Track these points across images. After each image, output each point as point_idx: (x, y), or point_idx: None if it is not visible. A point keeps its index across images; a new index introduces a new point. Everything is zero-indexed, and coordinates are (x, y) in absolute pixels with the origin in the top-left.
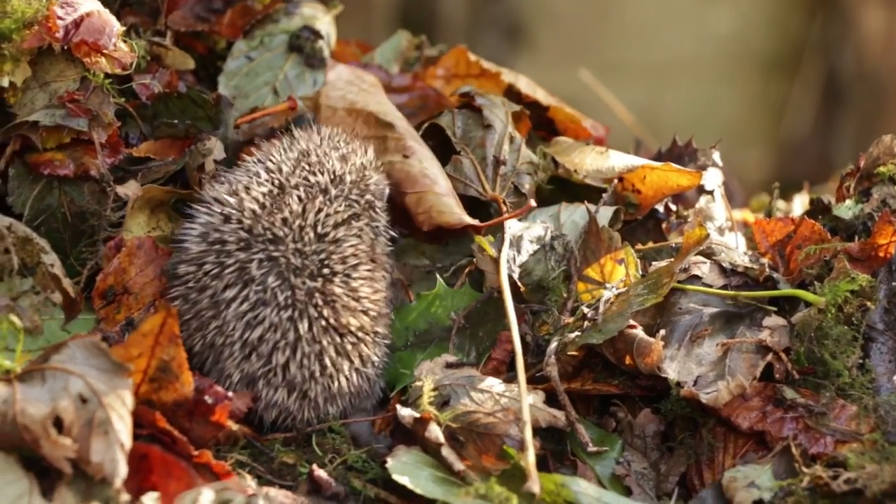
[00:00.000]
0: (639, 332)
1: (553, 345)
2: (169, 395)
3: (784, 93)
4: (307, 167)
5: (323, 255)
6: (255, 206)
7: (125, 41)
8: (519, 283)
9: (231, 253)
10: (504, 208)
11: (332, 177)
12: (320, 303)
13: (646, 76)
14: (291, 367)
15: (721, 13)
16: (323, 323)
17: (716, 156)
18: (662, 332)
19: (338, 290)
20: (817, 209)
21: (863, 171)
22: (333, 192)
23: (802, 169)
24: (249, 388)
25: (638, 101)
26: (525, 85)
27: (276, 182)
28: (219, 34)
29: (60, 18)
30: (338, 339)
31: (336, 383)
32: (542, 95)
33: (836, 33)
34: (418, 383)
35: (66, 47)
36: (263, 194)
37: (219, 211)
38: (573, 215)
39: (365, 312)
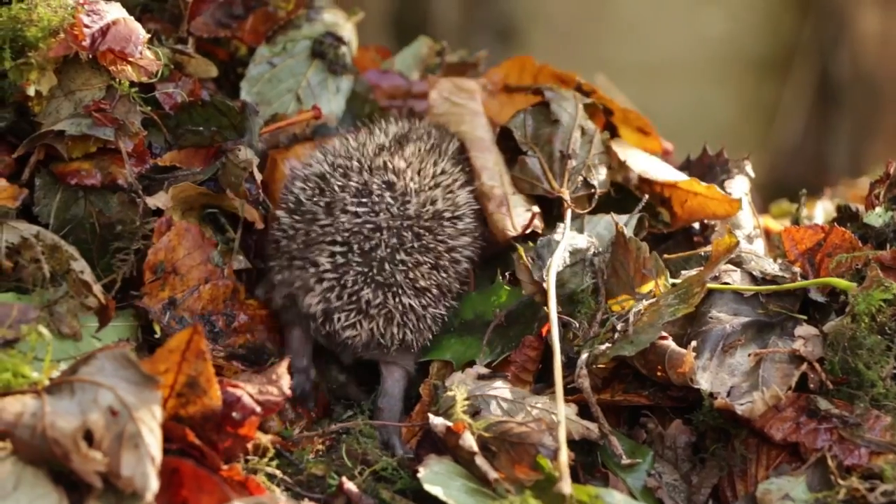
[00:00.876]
0: (670, 343)
1: (584, 356)
2: (197, 409)
3: (777, 95)
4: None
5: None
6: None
7: (150, 49)
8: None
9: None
10: (567, 205)
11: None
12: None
13: (638, 78)
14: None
15: (713, 15)
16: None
17: (748, 167)
18: (694, 343)
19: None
20: (844, 217)
21: (892, 179)
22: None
23: (797, 171)
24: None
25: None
26: (603, 89)
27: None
28: (241, 40)
29: (87, 27)
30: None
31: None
32: (619, 103)
33: (829, 35)
34: (450, 393)
35: (91, 56)
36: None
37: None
38: (597, 227)
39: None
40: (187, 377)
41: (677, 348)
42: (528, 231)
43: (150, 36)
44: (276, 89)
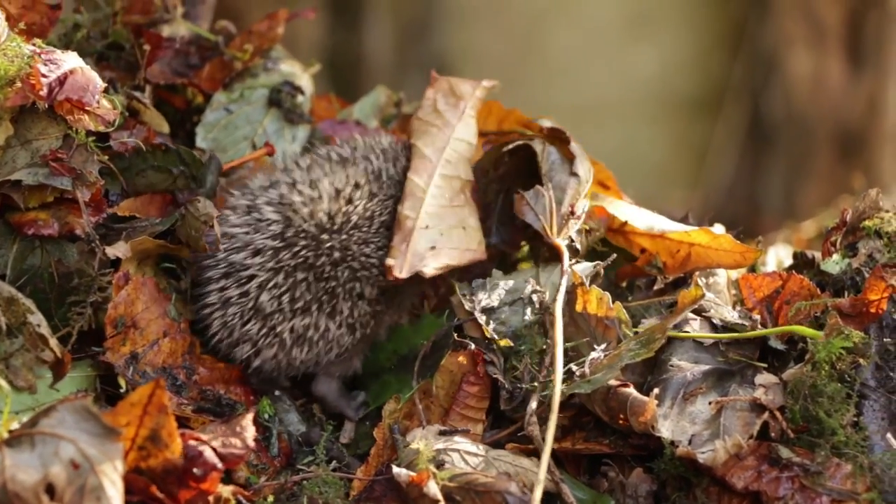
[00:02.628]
0: (631, 390)
1: (533, 404)
2: (158, 463)
3: (708, 134)
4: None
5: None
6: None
7: (107, 97)
8: (493, 332)
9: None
10: (565, 259)
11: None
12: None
13: (570, 117)
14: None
15: (645, 55)
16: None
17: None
18: (656, 390)
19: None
20: (801, 263)
21: (849, 226)
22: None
23: (729, 211)
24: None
25: None
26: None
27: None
28: (197, 88)
29: (44, 76)
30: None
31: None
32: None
33: (760, 75)
34: (413, 446)
35: (49, 105)
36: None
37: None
38: (552, 276)
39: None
40: (149, 430)
41: (639, 396)
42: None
43: (106, 84)
44: (231, 136)
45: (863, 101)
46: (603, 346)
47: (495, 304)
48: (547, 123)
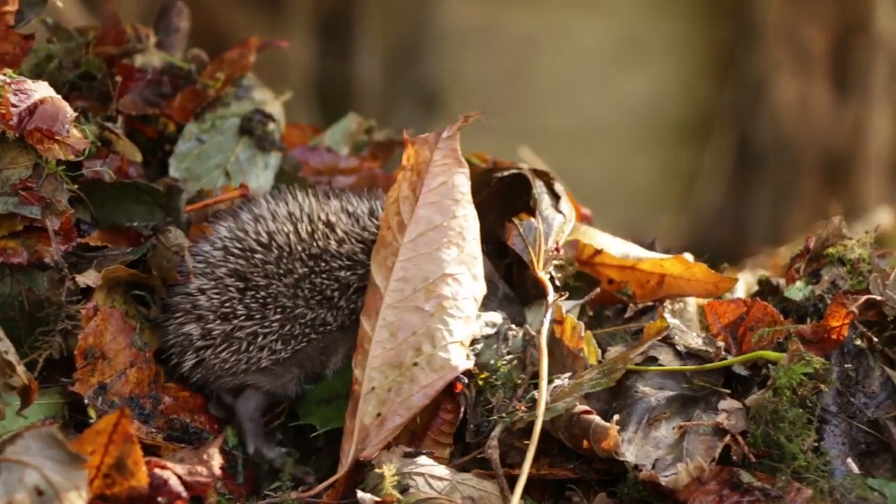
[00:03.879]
0: (594, 417)
1: (497, 429)
2: (123, 490)
3: (696, 160)
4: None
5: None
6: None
7: (77, 127)
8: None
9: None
10: (550, 293)
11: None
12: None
13: (559, 142)
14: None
15: (634, 81)
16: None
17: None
18: (617, 416)
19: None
20: (766, 290)
21: (812, 253)
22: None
23: (716, 237)
24: None
25: (552, 168)
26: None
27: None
28: (169, 117)
29: (14, 106)
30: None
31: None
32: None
33: (747, 101)
34: (378, 470)
35: (18, 135)
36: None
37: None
38: (539, 315)
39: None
40: (114, 458)
41: (601, 422)
42: None
43: (77, 114)
44: (204, 165)
45: (848, 127)
46: (567, 375)
47: (478, 336)
48: (524, 165)
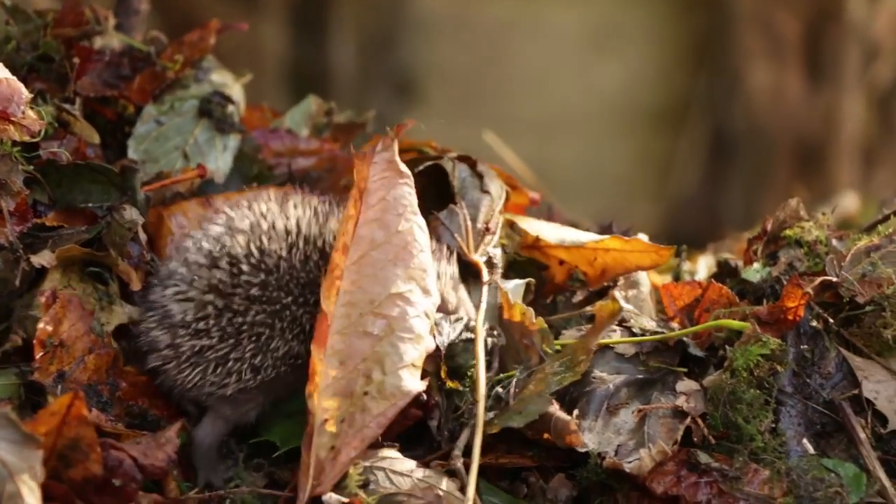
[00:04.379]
0: (555, 411)
1: (462, 437)
2: (78, 472)
3: (672, 148)
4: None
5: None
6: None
7: (33, 108)
8: (445, 373)
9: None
10: (484, 275)
11: None
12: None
13: (534, 130)
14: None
15: (609, 69)
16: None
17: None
18: (576, 412)
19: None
20: (724, 272)
21: (769, 235)
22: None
23: (691, 225)
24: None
25: (527, 155)
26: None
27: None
28: (128, 99)
29: None
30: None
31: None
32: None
33: (722, 89)
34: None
35: None
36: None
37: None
38: (489, 296)
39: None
40: (69, 440)
41: (562, 416)
42: None
43: (34, 95)
44: (163, 147)
45: (821, 114)
46: (524, 367)
47: (452, 337)
48: (452, 154)
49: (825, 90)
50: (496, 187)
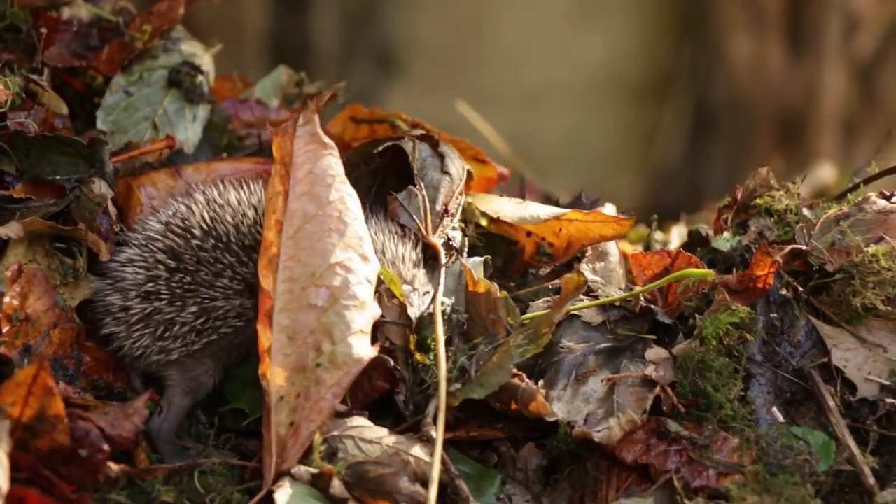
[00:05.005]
0: (522, 382)
1: (432, 405)
2: (45, 443)
3: (654, 120)
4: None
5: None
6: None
7: (0, 79)
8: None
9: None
10: (442, 256)
11: None
12: None
13: (517, 103)
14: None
15: (591, 41)
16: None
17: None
18: (542, 382)
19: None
20: (695, 241)
21: (740, 203)
22: None
23: (673, 196)
24: None
25: (509, 128)
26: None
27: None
28: (97, 70)
29: None
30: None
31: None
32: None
33: (704, 61)
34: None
35: None
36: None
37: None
38: (452, 277)
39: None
40: (35, 411)
41: (529, 386)
42: None
43: (1, 66)
44: (132, 118)
45: (802, 86)
46: (492, 340)
47: (422, 310)
48: (417, 131)
49: (806, 62)
50: (457, 168)
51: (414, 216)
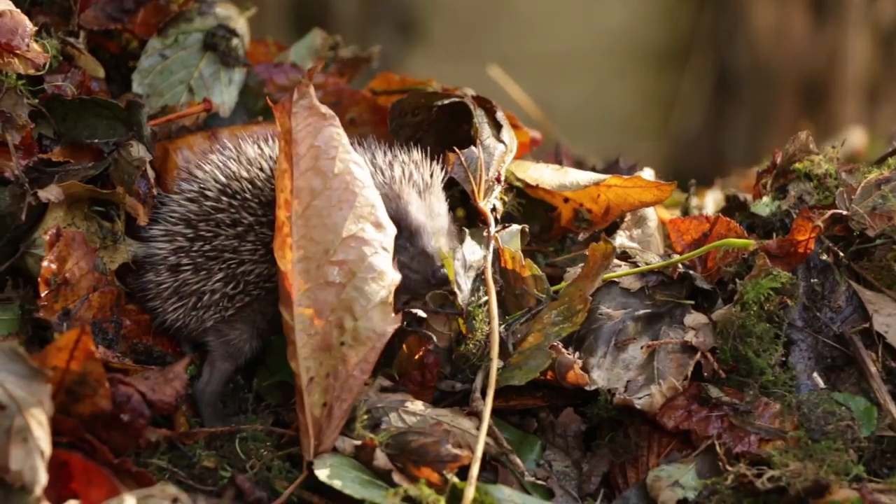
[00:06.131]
0: (557, 353)
1: (478, 379)
2: (86, 407)
3: (675, 86)
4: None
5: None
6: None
7: (38, 41)
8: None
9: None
10: (490, 222)
11: None
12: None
13: (538, 69)
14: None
15: (612, 7)
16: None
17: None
18: (578, 353)
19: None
20: (733, 206)
21: (779, 168)
22: None
23: (694, 162)
24: None
25: (531, 94)
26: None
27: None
28: (132, 33)
29: None
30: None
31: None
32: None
33: (726, 27)
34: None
35: None
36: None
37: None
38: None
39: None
40: (77, 375)
41: (565, 358)
42: None
43: (38, 28)
44: (167, 81)
45: (825, 52)
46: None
47: (469, 288)
48: (469, 91)
49: (829, 27)
50: (509, 138)
51: (471, 177)
